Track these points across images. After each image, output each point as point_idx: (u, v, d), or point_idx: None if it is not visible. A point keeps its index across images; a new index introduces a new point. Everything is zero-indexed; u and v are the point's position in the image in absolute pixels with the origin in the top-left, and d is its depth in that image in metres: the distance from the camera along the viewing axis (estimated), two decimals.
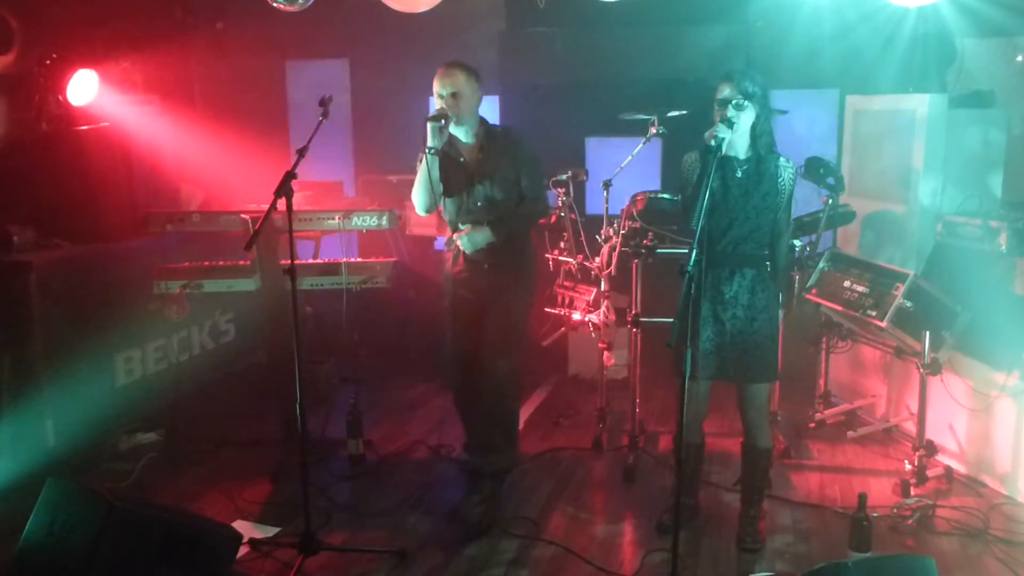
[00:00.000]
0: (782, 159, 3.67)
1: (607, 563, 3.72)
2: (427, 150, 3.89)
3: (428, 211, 4.07)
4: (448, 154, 4.05)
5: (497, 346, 4.11)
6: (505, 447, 4.27)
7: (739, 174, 3.64)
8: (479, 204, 4.06)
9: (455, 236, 4.11)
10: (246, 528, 3.96)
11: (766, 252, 3.76)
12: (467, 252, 4.12)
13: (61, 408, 4.51)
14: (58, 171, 4.95)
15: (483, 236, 4.05)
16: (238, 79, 6.88)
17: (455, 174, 4.06)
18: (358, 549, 3.83)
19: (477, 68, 4.05)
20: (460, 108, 3.94)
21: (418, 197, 4.04)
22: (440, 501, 4.32)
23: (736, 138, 3.61)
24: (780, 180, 3.64)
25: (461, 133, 4.08)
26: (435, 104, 3.97)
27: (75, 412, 4.54)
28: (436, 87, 3.97)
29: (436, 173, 3.95)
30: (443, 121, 3.87)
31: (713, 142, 3.42)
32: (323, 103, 3.62)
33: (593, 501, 4.35)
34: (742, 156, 3.66)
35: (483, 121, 4.13)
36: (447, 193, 4.06)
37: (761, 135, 3.63)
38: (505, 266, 4.13)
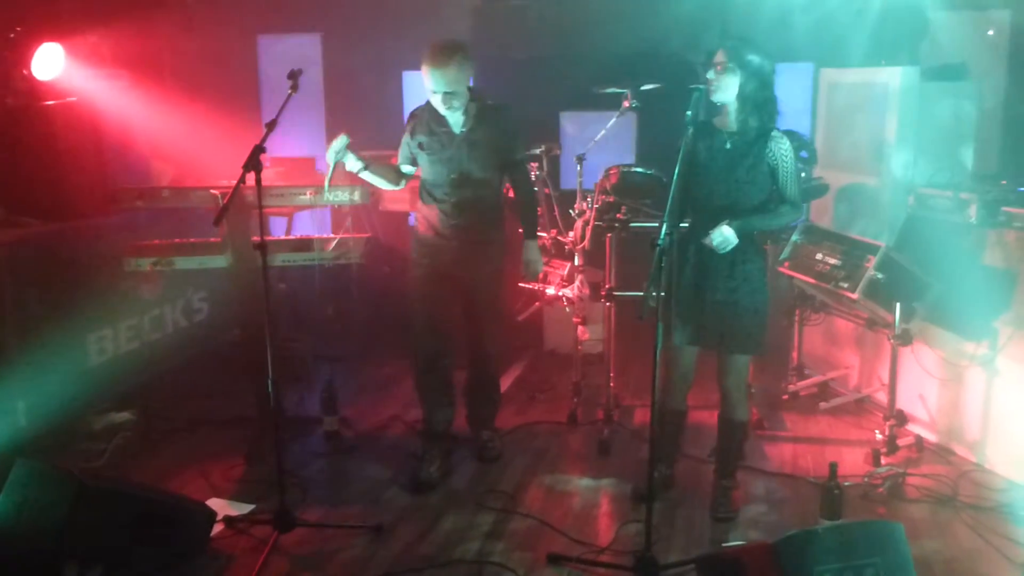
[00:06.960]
0: (775, 133, 3.59)
1: (583, 535, 3.74)
2: (357, 172, 3.93)
3: (398, 188, 4.28)
4: (432, 131, 4.02)
5: (484, 323, 4.26)
6: (491, 418, 4.57)
7: (728, 146, 3.61)
8: (452, 176, 4.04)
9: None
10: (221, 506, 3.95)
11: None
12: (443, 224, 4.11)
13: (32, 388, 4.43)
14: (25, 147, 4.83)
15: (535, 251, 4.29)
16: (209, 54, 6.77)
17: (436, 146, 4.04)
18: (334, 525, 3.84)
19: (464, 43, 3.86)
20: (456, 103, 3.88)
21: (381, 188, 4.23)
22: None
23: (727, 106, 3.59)
24: (769, 153, 3.56)
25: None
26: (432, 99, 3.88)
27: (46, 392, 4.46)
28: (428, 80, 3.82)
29: (379, 172, 4.04)
30: (346, 149, 3.82)
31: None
32: (292, 76, 3.57)
33: (568, 474, 4.37)
34: (733, 128, 3.63)
35: (475, 94, 4.01)
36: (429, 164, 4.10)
37: (749, 106, 3.57)
38: (480, 238, 4.14)
